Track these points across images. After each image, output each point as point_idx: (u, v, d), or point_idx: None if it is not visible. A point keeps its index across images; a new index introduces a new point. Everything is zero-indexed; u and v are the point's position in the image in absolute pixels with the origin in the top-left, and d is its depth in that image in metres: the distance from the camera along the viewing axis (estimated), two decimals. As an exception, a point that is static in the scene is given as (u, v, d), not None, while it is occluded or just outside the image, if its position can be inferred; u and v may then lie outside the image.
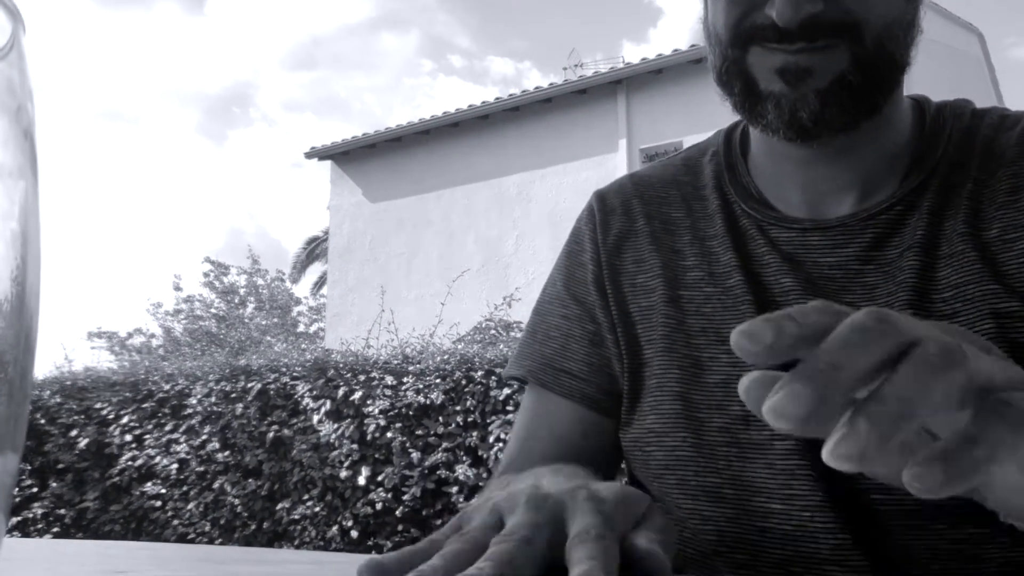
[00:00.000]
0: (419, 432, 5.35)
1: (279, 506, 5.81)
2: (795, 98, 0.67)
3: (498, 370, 5.16)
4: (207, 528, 6.10)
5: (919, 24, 0.71)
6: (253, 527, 5.93)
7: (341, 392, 5.70)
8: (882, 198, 0.73)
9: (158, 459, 6.39)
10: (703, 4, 0.74)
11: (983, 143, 0.74)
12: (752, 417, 0.69)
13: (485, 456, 5.09)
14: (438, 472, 5.21)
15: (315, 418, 5.76)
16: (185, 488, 6.27)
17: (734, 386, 0.70)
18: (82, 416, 6.79)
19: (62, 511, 6.61)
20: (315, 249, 18.69)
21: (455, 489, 5.13)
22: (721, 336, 0.74)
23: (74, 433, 6.70)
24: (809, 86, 0.66)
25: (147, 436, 6.52)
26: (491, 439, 5.03)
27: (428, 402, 5.33)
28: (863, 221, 0.72)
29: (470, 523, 0.47)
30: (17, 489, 6.53)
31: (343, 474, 5.53)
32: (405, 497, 5.25)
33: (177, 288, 20.21)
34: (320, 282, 18.65)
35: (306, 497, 5.72)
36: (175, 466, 6.31)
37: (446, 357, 5.49)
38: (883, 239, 0.71)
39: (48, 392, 6.93)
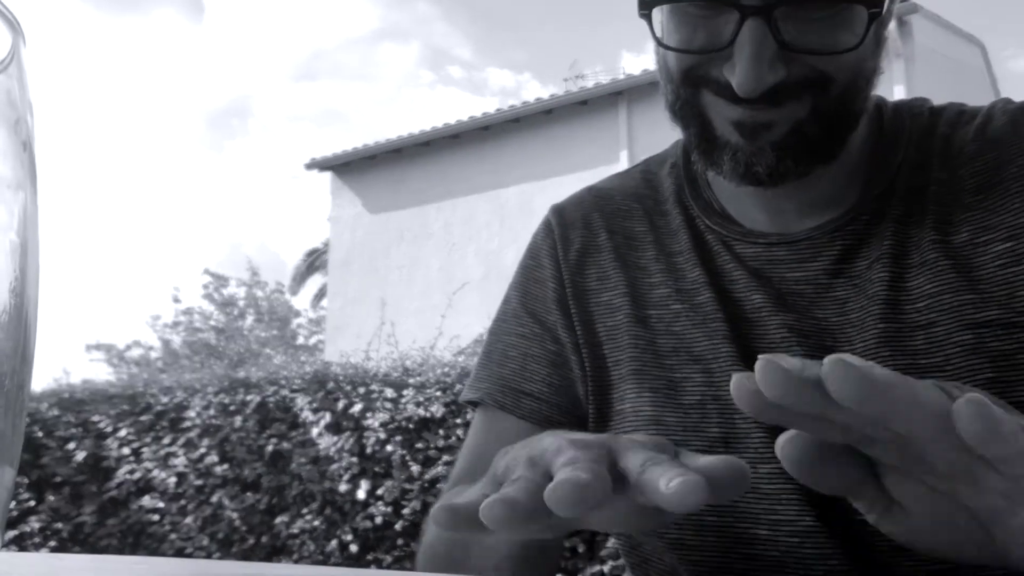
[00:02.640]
0: (419, 445, 5.33)
1: (278, 520, 5.79)
2: (751, 151, 0.65)
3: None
4: (205, 542, 6.07)
5: (880, 67, 0.69)
6: (251, 541, 5.90)
7: (341, 405, 5.68)
8: (847, 208, 0.71)
9: (156, 472, 6.37)
10: (652, 30, 0.69)
11: (941, 141, 0.72)
12: (732, 438, 0.68)
13: (485, 469, 5.08)
14: (439, 485, 5.19)
15: (314, 431, 5.75)
16: (183, 502, 6.25)
17: (711, 407, 0.69)
18: (79, 429, 6.77)
19: (59, 525, 6.58)
20: (315, 261, 18.70)
21: (454, 502, 5.11)
22: (693, 355, 0.71)
23: (71, 446, 6.68)
24: (765, 139, 0.64)
25: (145, 449, 6.50)
26: (491, 452, 5.02)
27: (429, 415, 5.32)
28: (829, 234, 0.70)
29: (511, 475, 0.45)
30: (14, 502, 6.50)
31: (342, 488, 5.51)
32: (405, 511, 5.23)
33: (176, 300, 20.22)
34: (320, 294, 18.65)
35: (305, 511, 5.70)
36: (173, 480, 6.29)
37: (447, 370, 5.48)
38: (851, 251, 0.69)
39: (45, 405, 6.91)
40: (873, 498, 0.44)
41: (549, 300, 0.81)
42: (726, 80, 0.63)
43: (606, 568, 4.57)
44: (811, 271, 0.70)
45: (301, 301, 21.95)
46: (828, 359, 0.35)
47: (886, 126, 0.75)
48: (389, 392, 5.53)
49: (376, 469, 5.45)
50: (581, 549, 4.68)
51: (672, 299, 0.75)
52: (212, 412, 6.26)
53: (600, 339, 0.78)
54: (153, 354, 19.78)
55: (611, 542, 4.59)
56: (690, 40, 0.65)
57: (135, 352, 19.60)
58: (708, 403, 0.70)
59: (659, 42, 0.67)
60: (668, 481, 0.38)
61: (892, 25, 0.70)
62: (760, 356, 0.37)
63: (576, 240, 0.83)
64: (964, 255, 0.66)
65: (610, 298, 0.78)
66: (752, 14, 0.60)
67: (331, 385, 5.82)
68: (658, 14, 0.66)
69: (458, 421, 5.26)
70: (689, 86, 0.67)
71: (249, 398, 6.10)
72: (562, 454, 0.43)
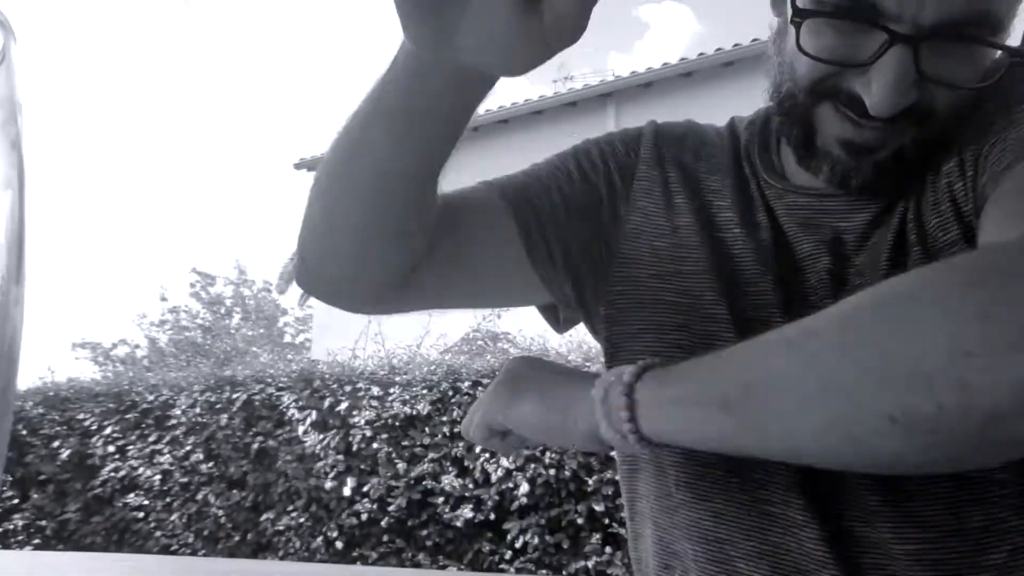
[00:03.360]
0: (405, 443, 5.33)
1: (263, 517, 5.77)
2: (851, 166, 0.67)
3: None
4: (190, 539, 6.05)
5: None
6: (237, 538, 5.89)
7: (327, 403, 5.67)
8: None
9: (141, 470, 6.34)
10: (779, 22, 0.71)
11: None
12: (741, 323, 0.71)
13: (471, 467, 5.07)
14: (424, 483, 5.19)
15: (300, 429, 5.74)
16: (168, 499, 6.23)
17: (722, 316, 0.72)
18: (64, 427, 6.73)
19: (43, 522, 6.54)
20: (302, 259, 18.59)
21: (441, 500, 5.11)
22: (724, 275, 0.73)
23: (56, 444, 6.64)
24: (867, 159, 0.67)
25: (130, 447, 6.47)
26: (477, 449, 5.02)
27: (414, 413, 5.32)
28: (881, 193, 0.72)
29: None
30: (-2, 500, 6.47)
31: (328, 485, 5.50)
32: (391, 508, 5.23)
33: (163, 298, 20.13)
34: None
35: (291, 508, 5.68)
36: (158, 477, 6.26)
37: (433, 368, 5.48)
38: (895, 201, 0.71)
39: (30, 403, 6.87)
40: None
41: (601, 172, 0.83)
42: (856, 94, 0.64)
43: (590, 564, 4.59)
44: (857, 222, 0.72)
45: (288, 300, 21.86)
46: None
47: None
48: (375, 390, 5.53)
49: (362, 466, 5.45)
50: (566, 545, 4.69)
51: (735, 224, 0.76)
52: (198, 410, 6.24)
53: (628, 234, 0.80)
54: (139, 352, 19.69)
55: (595, 538, 4.60)
56: (832, 50, 0.65)
57: (121, 350, 19.49)
58: (721, 315, 0.72)
59: (803, 51, 0.67)
60: None
61: None
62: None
63: (652, 155, 0.84)
64: (932, 188, 0.68)
65: (654, 210, 0.80)
66: (902, 41, 0.61)
67: (317, 383, 5.81)
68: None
69: (444, 419, 5.27)
70: (812, 95, 0.68)
71: (235, 396, 6.08)
72: None
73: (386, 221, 0.70)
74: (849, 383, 0.47)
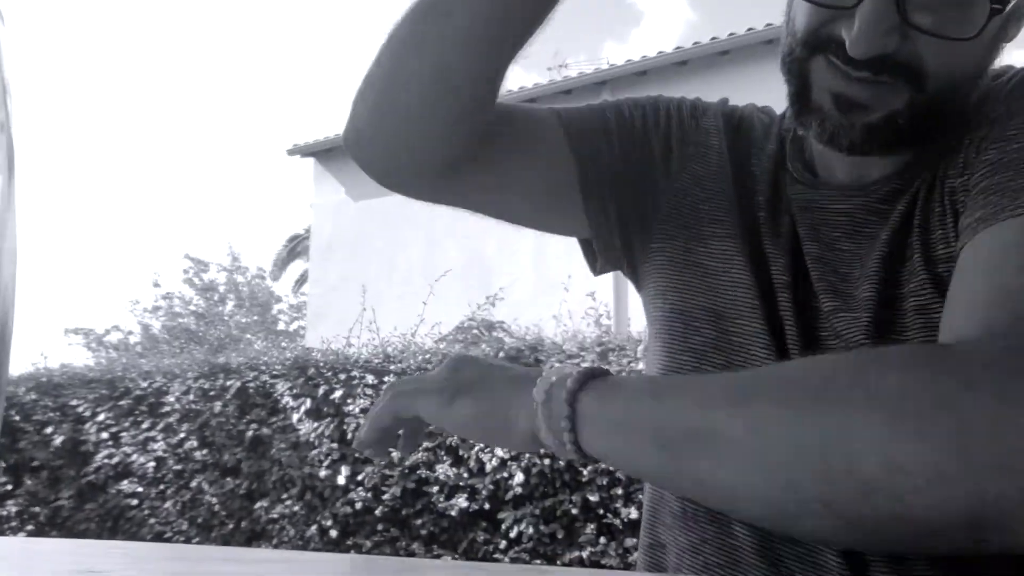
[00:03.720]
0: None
1: (257, 505, 5.78)
2: (841, 123, 0.68)
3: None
4: (184, 527, 6.06)
5: (992, 65, 0.71)
6: (231, 526, 5.89)
7: (321, 391, 5.67)
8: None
9: (135, 457, 6.34)
10: None
11: (978, 98, 0.74)
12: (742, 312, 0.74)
13: (466, 456, 5.08)
14: (418, 471, 5.20)
15: (295, 417, 5.74)
16: (162, 487, 6.23)
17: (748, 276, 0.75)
18: (57, 413, 6.72)
19: (36, 509, 6.54)
20: (296, 247, 18.61)
21: (435, 489, 5.13)
22: (749, 253, 0.76)
23: (49, 430, 6.63)
24: (859, 118, 0.67)
25: (123, 434, 6.47)
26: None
27: (408, 402, 5.32)
28: (885, 182, 0.73)
29: None
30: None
31: (322, 473, 5.51)
32: (385, 496, 5.24)
33: (156, 285, 20.08)
34: (301, 280, 18.57)
35: (285, 496, 5.69)
36: (152, 464, 6.26)
37: (428, 356, 5.49)
38: (897, 193, 0.72)
39: (23, 389, 6.85)
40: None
41: (662, 129, 0.85)
42: (843, 39, 0.66)
43: (584, 554, 4.60)
44: (853, 205, 0.73)
45: (282, 287, 21.86)
46: None
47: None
48: (370, 378, 5.53)
49: (356, 455, 5.46)
50: (560, 535, 4.71)
51: (761, 208, 0.79)
52: (192, 397, 6.24)
53: (671, 200, 0.82)
54: (132, 339, 19.65)
55: (590, 528, 4.62)
56: None
57: (114, 337, 19.46)
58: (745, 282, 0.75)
59: None
60: None
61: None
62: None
63: (715, 126, 0.85)
64: (937, 193, 0.69)
65: (704, 176, 0.83)
66: None
67: (312, 371, 5.81)
68: None
69: (439, 408, 5.27)
70: (807, 48, 0.69)
71: (229, 383, 6.08)
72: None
73: (446, 106, 0.72)
74: (786, 461, 0.47)
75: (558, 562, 4.59)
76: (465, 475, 5.05)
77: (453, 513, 5.01)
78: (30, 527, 6.53)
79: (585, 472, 4.68)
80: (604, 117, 0.85)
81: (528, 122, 0.83)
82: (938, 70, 0.66)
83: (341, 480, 5.42)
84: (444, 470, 5.09)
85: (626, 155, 0.83)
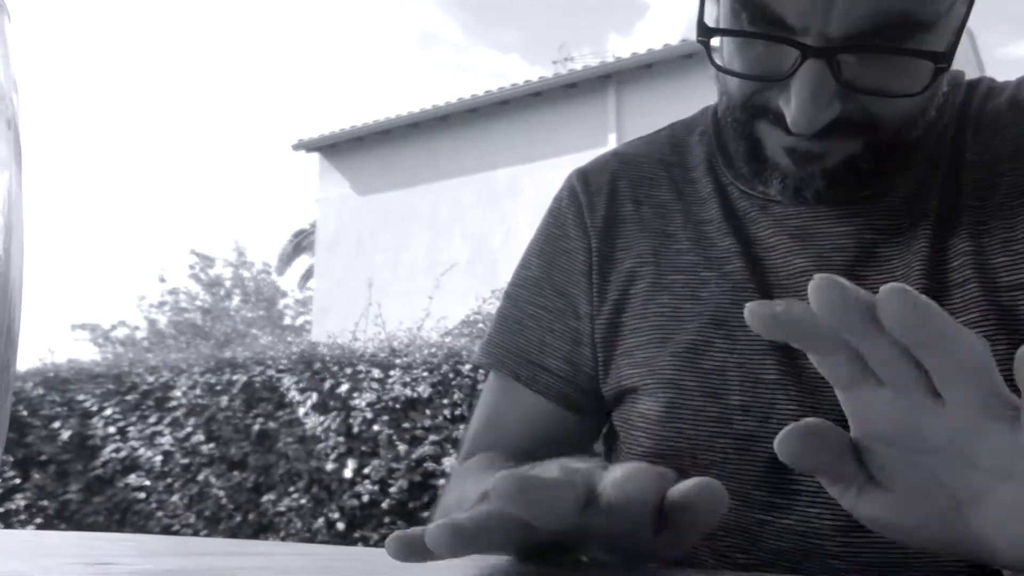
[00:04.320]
0: (406, 425, 5.34)
1: (264, 498, 5.80)
2: (801, 177, 0.65)
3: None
4: (192, 520, 6.08)
5: (941, 92, 0.68)
6: (238, 519, 5.92)
7: (327, 385, 5.69)
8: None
9: (142, 451, 6.36)
10: (710, 57, 0.68)
11: (976, 113, 0.72)
12: (753, 406, 0.67)
13: (471, 450, 5.10)
14: (425, 465, 5.21)
15: (301, 411, 5.75)
16: (169, 480, 6.25)
17: (732, 374, 0.68)
18: (65, 408, 6.75)
19: (45, 502, 6.57)
20: (302, 242, 18.63)
21: (442, 482, 5.13)
22: (717, 320, 0.70)
23: (56, 425, 6.66)
24: (817, 166, 0.65)
25: (130, 428, 6.49)
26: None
27: (415, 395, 5.33)
28: (877, 193, 0.70)
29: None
30: (0, 481, 6.49)
31: (329, 467, 5.52)
32: (392, 490, 5.25)
33: (162, 280, 20.14)
34: (307, 275, 18.60)
35: (292, 489, 5.71)
36: (159, 458, 6.29)
37: (433, 350, 5.49)
38: (896, 208, 0.69)
39: (30, 384, 6.88)
40: (851, 475, 0.43)
41: (575, 272, 0.80)
42: (782, 112, 0.63)
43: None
44: (856, 226, 0.69)
45: (288, 282, 21.89)
46: (885, 286, 0.36)
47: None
48: (376, 372, 5.54)
49: (363, 448, 5.47)
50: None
51: (700, 266, 0.73)
52: (198, 392, 6.25)
53: (619, 307, 0.76)
54: (139, 334, 19.72)
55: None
56: (751, 66, 0.64)
57: (121, 332, 19.54)
58: (730, 369, 0.69)
59: (718, 67, 0.66)
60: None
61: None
62: (817, 275, 0.37)
63: (602, 208, 0.80)
64: (998, 218, 0.65)
65: (632, 266, 0.77)
66: (813, 55, 0.59)
67: (318, 365, 5.82)
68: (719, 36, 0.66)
69: (444, 401, 5.28)
70: (747, 112, 0.67)
71: (235, 378, 6.09)
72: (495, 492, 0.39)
73: None
74: None
75: (564, 555, 4.60)
76: (471, 468, 5.05)
77: (459, 506, 5.02)
78: (39, 520, 6.56)
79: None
80: (533, 326, 0.81)
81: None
82: (891, 115, 0.63)
83: (348, 473, 5.43)
84: (450, 463, 5.10)
85: (570, 343, 0.79)
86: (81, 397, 6.72)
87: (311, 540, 5.51)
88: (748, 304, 0.39)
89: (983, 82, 0.76)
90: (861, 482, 0.43)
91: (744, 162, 0.70)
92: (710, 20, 0.64)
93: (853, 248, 0.69)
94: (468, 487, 0.68)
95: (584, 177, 0.84)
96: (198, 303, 20.30)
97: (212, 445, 6.11)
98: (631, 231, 0.78)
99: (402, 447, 5.28)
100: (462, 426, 5.16)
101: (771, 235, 0.72)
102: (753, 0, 0.60)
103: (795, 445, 0.41)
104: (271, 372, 6.00)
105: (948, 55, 0.60)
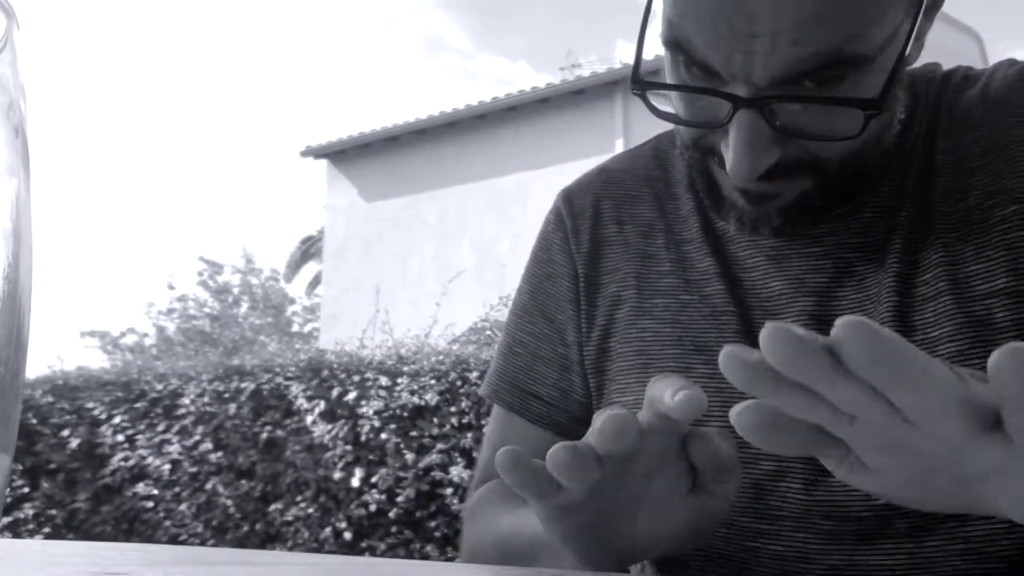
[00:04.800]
0: (413, 433, 5.34)
1: (272, 507, 5.80)
2: (757, 215, 0.65)
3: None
4: (199, 529, 6.09)
5: (898, 115, 0.68)
6: (246, 528, 5.92)
7: (335, 393, 5.69)
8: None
9: (150, 460, 6.37)
10: (647, 105, 0.66)
11: (947, 109, 0.70)
12: (734, 431, 0.67)
13: (479, 457, 5.09)
14: (432, 473, 5.21)
15: (309, 419, 5.75)
16: (177, 489, 6.26)
17: (713, 398, 0.66)
18: (74, 416, 6.77)
19: (53, 511, 6.59)
20: (309, 248, 18.67)
21: (449, 491, 5.13)
22: (698, 345, 0.70)
23: (65, 433, 6.68)
24: (772, 205, 0.64)
25: (139, 436, 6.51)
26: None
27: (423, 403, 5.33)
28: (848, 208, 0.69)
29: None
30: (7, 490, 6.49)
31: (337, 475, 5.52)
32: (399, 499, 5.24)
33: (171, 287, 20.20)
34: (315, 281, 18.64)
35: (299, 498, 5.71)
36: (167, 467, 6.30)
37: (441, 358, 5.49)
38: (869, 223, 0.68)
39: (39, 391, 6.90)
40: (838, 455, 0.43)
41: (562, 298, 0.80)
42: (723, 156, 0.62)
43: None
44: (829, 246, 0.68)
45: (296, 289, 21.93)
46: (841, 320, 0.34)
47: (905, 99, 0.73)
48: (383, 380, 5.54)
49: (370, 457, 5.47)
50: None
51: (680, 289, 0.73)
52: (206, 399, 6.26)
53: (606, 331, 0.76)
54: (147, 341, 19.77)
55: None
56: (693, 113, 0.64)
57: (129, 339, 19.59)
58: (711, 394, 0.68)
59: (657, 113, 0.65)
60: (673, 393, 0.45)
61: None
62: (768, 324, 0.36)
63: (587, 231, 0.81)
64: (971, 223, 0.64)
65: (617, 290, 0.77)
66: (744, 105, 0.58)
67: (325, 373, 5.82)
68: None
69: (452, 409, 5.28)
70: (697, 151, 0.67)
71: (244, 385, 6.10)
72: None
73: None
74: None
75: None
76: (479, 476, 5.05)
77: (467, 514, 5.01)
78: (47, 530, 6.57)
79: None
80: (527, 356, 0.81)
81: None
82: (835, 155, 0.62)
83: (355, 482, 5.43)
84: (458, 472, 5.09)
85: (562, 370, 0.79)
86: (90, 405, 6.74)
87: (318, 550, 5.50)
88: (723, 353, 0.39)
89: (958, 72, 0.74)
90: (852, 460, 0.43)
91: (704, 196, 0.70)
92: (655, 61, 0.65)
93: (829, 268, 0.68)
94: (506, 520, 0.70)
95: (569, 199, 0.84)
96: (206, 310, 20.36)
97: (220, 454, 6.12)
98: (615, 253, 0.79)
99: (410, 456, 5.28)
100: (469, 434, 5.16)
101: (748, 256, 0.72)
102: (685, 49, 0.60)
103: (750, 417, 0.41)
104: (279, 380, 6.01)
105: (879, 101, 0.58)
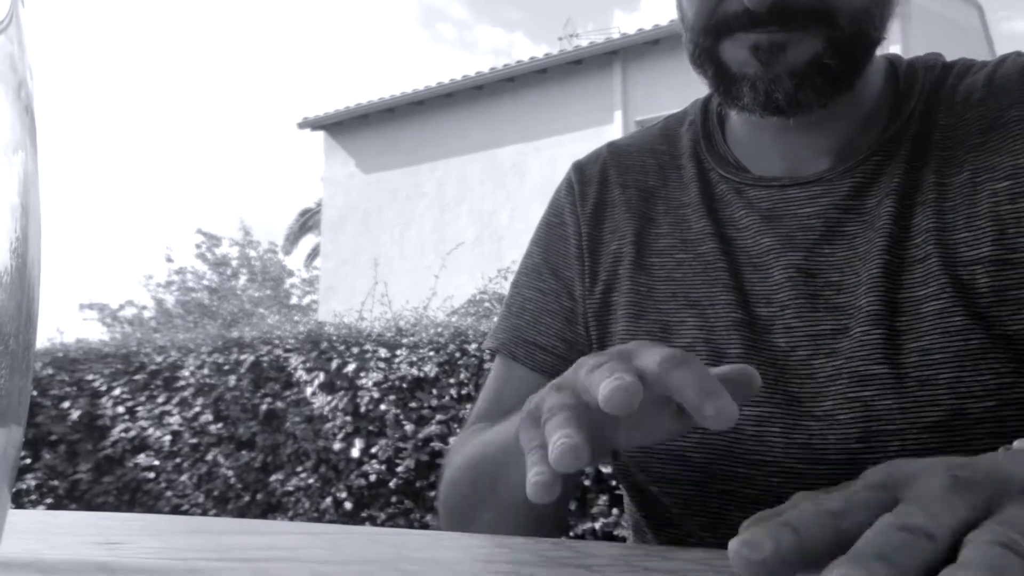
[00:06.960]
0: (413, 404, 5.36)
1: (272, 478, 5.84)
2: (769, 79, 0.67)
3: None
4: (201, 499, 6.13)
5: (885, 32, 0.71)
6: (247, 499, 5.96)
7: (334, 364, 5.70)
8: (860, 153, 0.74)
9: (151, 431, 6.40)
10: None
11: (949, 91, 0.74)
12: None
13: (478, 428, 5.11)
14: (432, 444, 5.24)
15: (308, 390, 5.77)
16: (178, 460, 6.29)
17: (702, 349, 0.72)
18: (74, 388, 6.78)
19: (55, 482, 6.63)
20: (308, 221, 18.63)
21: (448, 461, 5.16)
22: (690, 300, 0.75)
23: (66, 405, 6.70)
24: (783, 66, 0.67)
25: (139, 408, 6.53)
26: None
27: (422, 374, 5.34)
28: (842, 173, 0.73)
29: None
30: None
31: (336, 446, 5.55)
32: (399, 469, 5.28)
33: (169, 260, 20.16)
34: (313, 254, 18.62)
35: (300, 469, 5.74)
36: (168, 438, 6.33)
37: (440, 330, 5.50)
38: (862, 188, 0.71)
39: (40, 364, 6.91)
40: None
41: (570, 256, 0.85)
42: (742, 7, 0.65)
43: (597, 525, 4.64)
44: (822, 206, 0.72)
45: (294, 261, 21.96)
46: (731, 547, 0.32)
47: (901, 79, 0.77)
48: (382, 352, 5.55)
49: (370, 428, 5.49)
50: (573, 506, 4.74)
51: (676, 248, 0.78)
52: (206, 371, 6.28)
53: (609, 286, 0.81)
54: (146, 314, 19.77)
55: (602, 499, 4.65)
56: None
57: (128, 312, 19.57)
58: (699, 346, 0.72)
59: None
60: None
61: None
62: (731, 542, 0.32)
63: (592, 195, 0.86)
64: (963, 194, 0.68)
65: (618, 247, 0.82)
66: None
67: (325, 345, 5.83)
68: None
69: (451, 381, 5.29)
70: (709, 35, 0.69)
71: (243, 357, 6.12)
72: (601, 367, 0.47)
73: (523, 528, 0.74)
74: None
75: (571, 533, 4.63)
76: (478, 447, 5.07)
77: (466, 485, 5.05)
78: (49, 500, 6.62)
79: (597, 444, 4.69)
80: (532, 311, 0.86)
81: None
82: (844, 5, 0.66)
83: (355, 453, 5.46)
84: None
85: (564, 325, 0.83)
86: (90, 377, 6.76)
87: (319, 519, 5.55)
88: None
89: (961, 62, 0.78)
90: None
91: (714, 86, 0.73)
92: None
93: (819, 226, 0.72)
94: (492, 429, 0.74)
95: (580, 169, 0.90)
96: (205, 282, 20.33)
97: (220, 425, 6.14)
98: (618, 214, 0.84)
99: (409, 427, 5.30)
100: (468, 405, 5.18)
101: (743, 216, 0.76)
102: None
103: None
104: (278, 352, 6.02)
105: None
